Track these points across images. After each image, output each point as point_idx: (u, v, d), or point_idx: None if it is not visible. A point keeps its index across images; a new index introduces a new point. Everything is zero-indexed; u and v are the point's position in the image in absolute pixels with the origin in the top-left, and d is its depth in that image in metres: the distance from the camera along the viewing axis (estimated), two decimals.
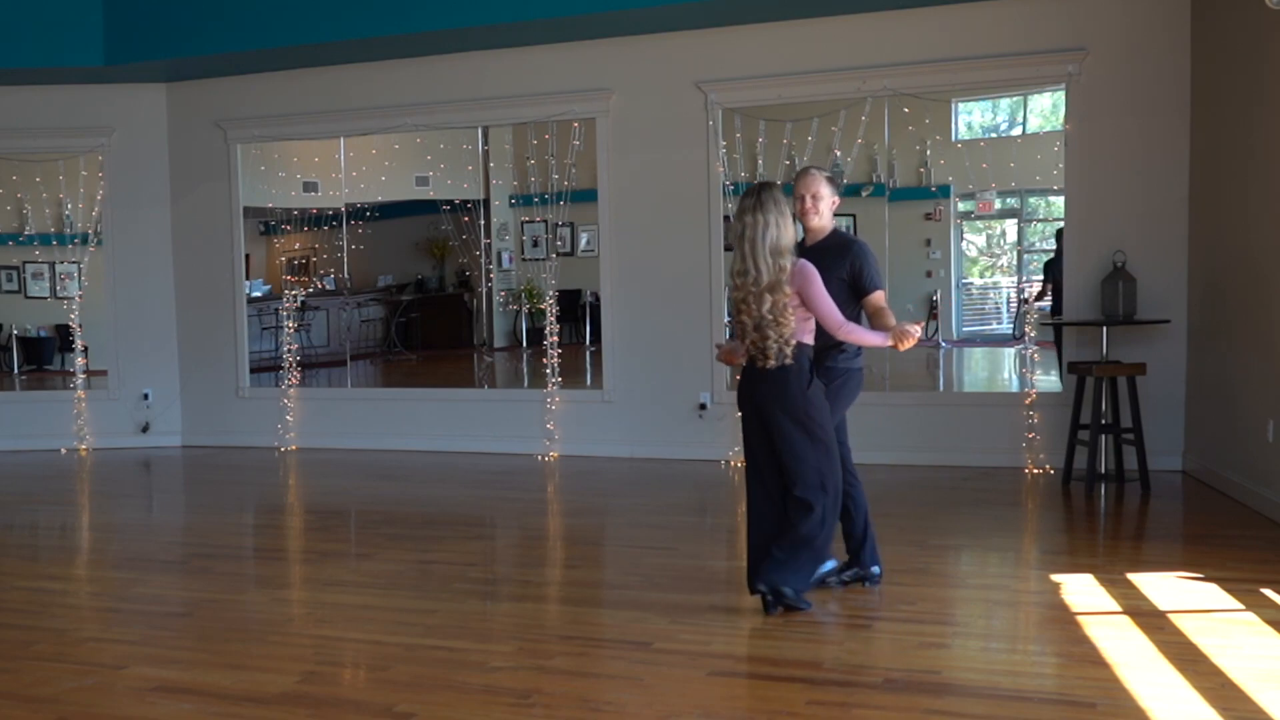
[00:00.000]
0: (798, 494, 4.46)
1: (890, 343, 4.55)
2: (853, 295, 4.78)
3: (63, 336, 10.62)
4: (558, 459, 8.96)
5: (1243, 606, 4.56)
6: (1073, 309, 7.94)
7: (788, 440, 4.46)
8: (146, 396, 10.24)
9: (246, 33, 9.05)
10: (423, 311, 12.82)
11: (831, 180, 4.86)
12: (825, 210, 4.82)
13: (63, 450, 10.05)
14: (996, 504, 6.92)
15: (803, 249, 4.65)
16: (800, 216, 4.81)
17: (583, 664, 4.09)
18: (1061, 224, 8.13)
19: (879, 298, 4.78)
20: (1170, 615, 4.46)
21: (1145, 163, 7.76)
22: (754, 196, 4.41)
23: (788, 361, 4.39)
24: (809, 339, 4.50)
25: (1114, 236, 7.76)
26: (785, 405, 4.43)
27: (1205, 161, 7.41)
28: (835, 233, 4.90)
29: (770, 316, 4.34)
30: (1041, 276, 8.79)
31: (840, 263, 4.73)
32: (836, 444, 4.63)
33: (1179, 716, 3.45)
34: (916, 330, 4.57)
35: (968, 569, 5.65)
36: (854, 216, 9.06)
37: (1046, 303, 8.69)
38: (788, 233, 4.37)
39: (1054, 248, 8.70)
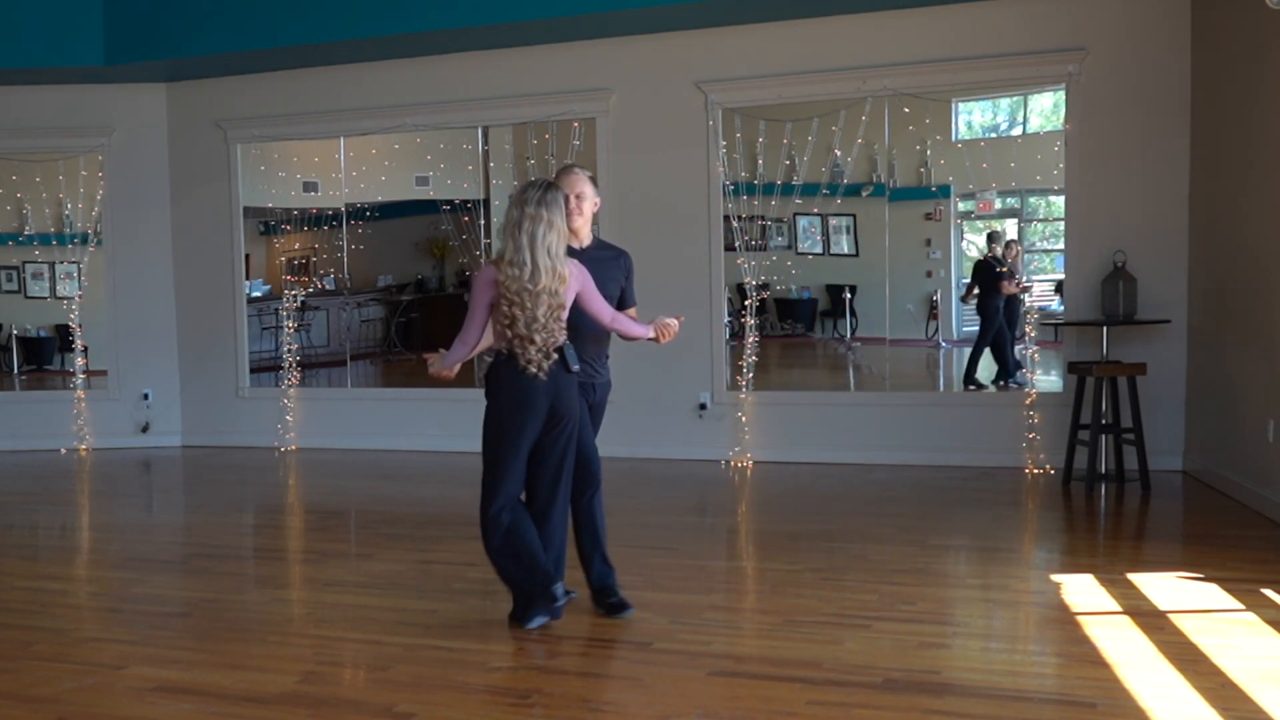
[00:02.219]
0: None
1: (651, 334, 4.54)
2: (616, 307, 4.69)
3: (63, 336, 10.62)
4: None
5: (1243, 606, 4.56)
6: (1073, 309, 7.94)
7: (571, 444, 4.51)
8: (146, 396, 10.25)
9: (246, 33, 9.05)
10: (423, 311, 12.80)
11: (593, 180, 4.67)
12: (588, 211, 4.61)
13: (63, 450, 10.05)
14: (996, 504, 6.92)
15: (573, 254, 4.44)
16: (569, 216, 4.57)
17: (583, 664, 4.09)
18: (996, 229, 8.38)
19: (632, 312, 4.77)
20: (1170, 615, 4.46)
21: (1145, 163, 7.76)
22: (540, 190, 4.25)
23: (543, 372, 4.27)
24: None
25: (1114, 236, 7.76)
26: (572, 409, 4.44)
27: (1205, 161, 7.41)
28: (601, 242, 4.81)
29: (542, 320, 4.21)
30: (969, 279, 8.95)
31: (615, 273, 4.66)
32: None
33: (1179, 716, 3.45)
34: (675, 323, 4.58)
35: (968, 569, 5.65)
36: (854, 216, 9.06)
37: (971, 305, 8.87)
38: (563, 239, 4.26)
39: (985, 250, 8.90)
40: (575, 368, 4.38)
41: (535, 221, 4.19)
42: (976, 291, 8.87)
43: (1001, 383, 8.78)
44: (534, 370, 4.27)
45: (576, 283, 4.34)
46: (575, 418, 4.46)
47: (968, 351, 9.11)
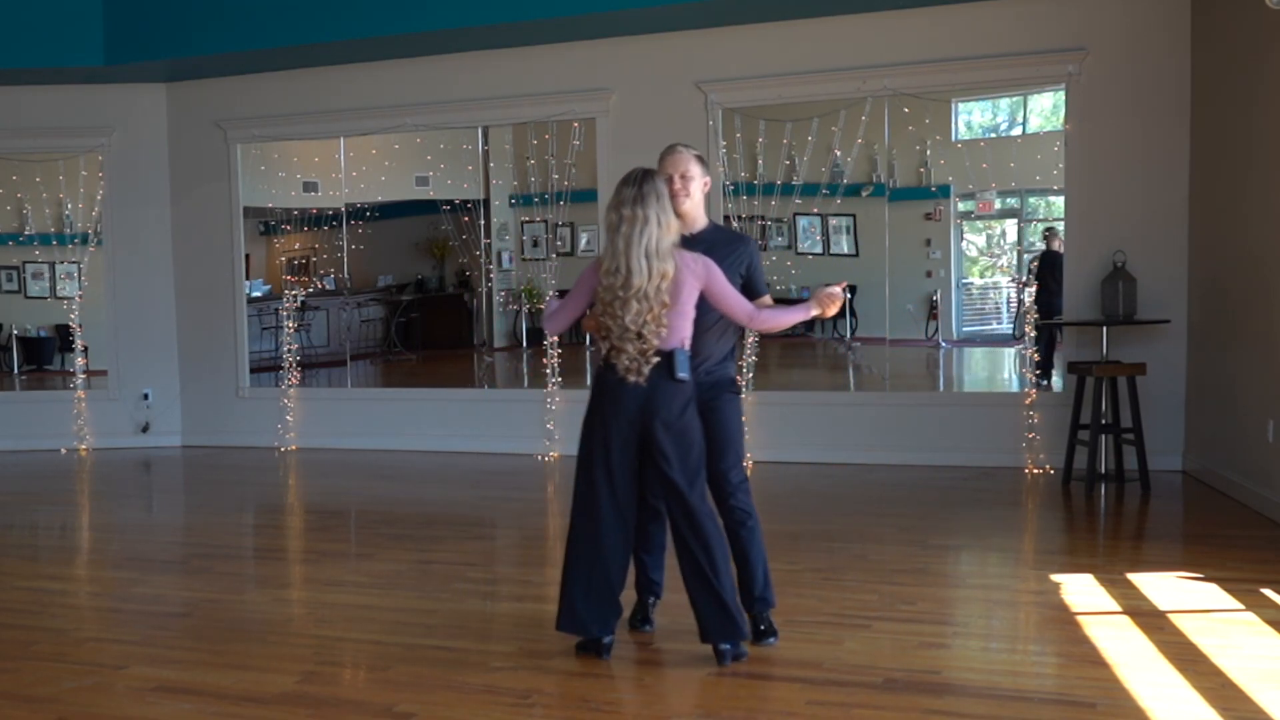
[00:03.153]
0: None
1: (816, 311, 4.10)
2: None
3: (63, 336, 10.62)
4: (558, 459, 8.96)
5: (1243, 606, 4.56)
6: (1073, 309, 7.94)
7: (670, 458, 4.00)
8: (146, 396, 10.25)
9: (246, 33, 9.05)
10: (423, 311, 12.81)
11: (700, 159, 4.26)
12: (696, 192, 4.20)
13: (63, 450, 10.05)
14: (996, 504, 6.92)
15: (683, 242, 4.08)
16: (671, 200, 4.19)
17: (583, 664, 4.09)
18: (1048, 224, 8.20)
19: (768, 300, 4.29)
20: (1170, 615, 4.46)
21: (1145, 163, 7.76)
22: (635, 187, 3.90)
23: (641, 378, 3.91)
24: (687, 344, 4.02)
25: (1114, 236, 7.76)
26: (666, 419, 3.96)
27: (1205, 161, 7.41)
28: (716, 226, 4.40)
29: (633, 328, 3.87)
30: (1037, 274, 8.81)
31: (733, 260, 4.18)
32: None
33: (1179, 716, 3.45)
34: (838, 290, 4.12)
35: (968, 569, 5.65)
36: (854, 216, 9.06)
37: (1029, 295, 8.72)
38: (670, 233, 3.90)
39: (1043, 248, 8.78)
40: (682, 376, 3.94)
41: (631, 223, 3.87)
42: (1036, 284, 8.64)
43: (1045, 382, 8.43)
44: (632, 377, 3.91)
45: (695, 277, 3.95)
46: (680, 431, 3.97)
47: (968, 352, 9.10)
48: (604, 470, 3.99)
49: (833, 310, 4.11)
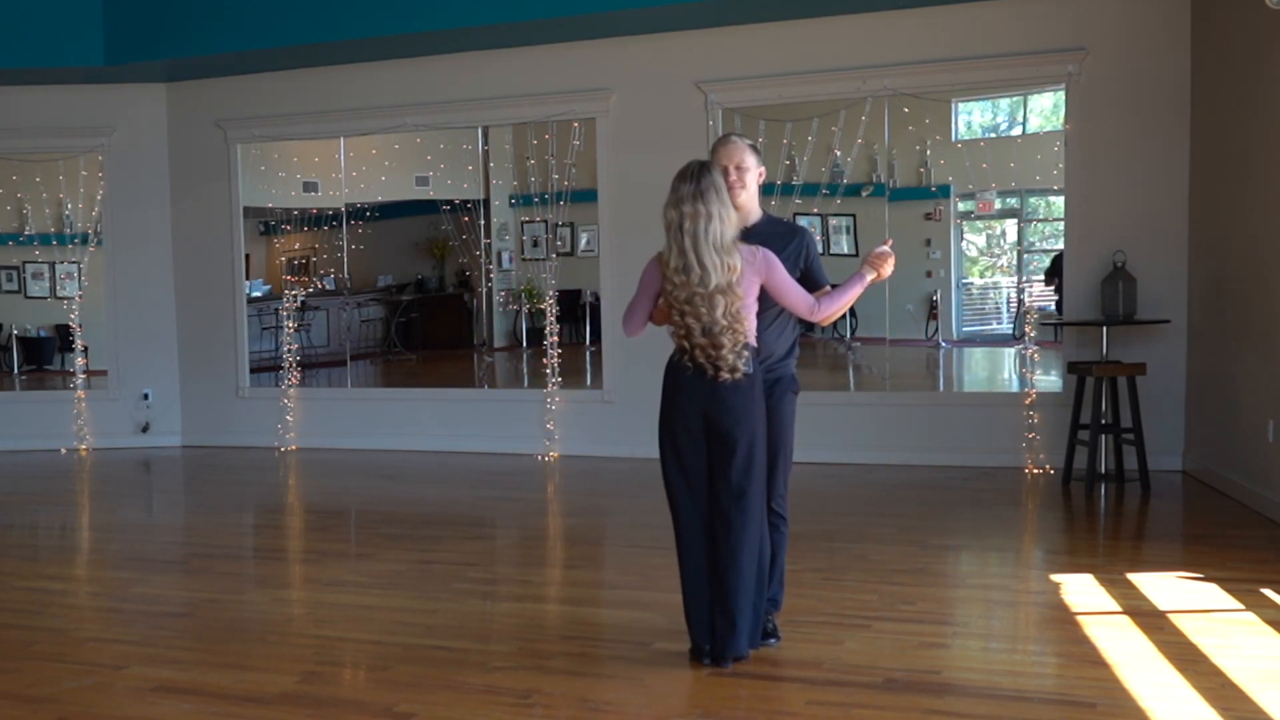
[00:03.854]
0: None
1: (872, 275, 4.03)
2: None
3: (63, 336, 10.62)
4: (558, 459, 8.96)
5: (1243, 606, 4.56)
6: (1073, 309, 7.94)
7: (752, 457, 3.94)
8: (146, 396, 10.25)
9: (246, 33, 9.05)
10: (423, 311, 12.81)
11: (755, 149, 4.16)
12: (751, 184, 4.09)
13: (63, 450, 10.05)
14: (996, 504, 6.92)
15: (742, 237, 3.99)
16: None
17: (583, 664, 4.09)
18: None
19: (828, 290, 4.13)
20: (1170, 615, 4.46)
21: (1145, 163, 7.76)
22: (692, 182, 3.83)
23: (742, 373, 3.85)
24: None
25: (1114, 236, 7.76)
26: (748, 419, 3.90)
27: (1205, 161, 7.41)
28: (770, 218, 4.27)
29: (725, 322, 3.78)
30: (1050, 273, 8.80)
31: (790, 251, 4.07)
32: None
33: (1179, 716, 3.45)
34: (887, 248, 4.06)
35: (968, 569, 5.65)
36: (854, 216, 9.06)
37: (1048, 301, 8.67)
38: (731, 225, 3.82)
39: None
40: (746, 370, 3.87)
41: (695, 219, 3.77)
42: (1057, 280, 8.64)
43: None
44: (728, 376, 3.81)
45: (755, 271, 3.85)
46: (750, 430, 3.88)
47: (968, 352, 9.10)
48: (678, 471, 3.95)
49: (888, 270, 4.03)
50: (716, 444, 3.90)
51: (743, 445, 3.88)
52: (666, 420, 3.96)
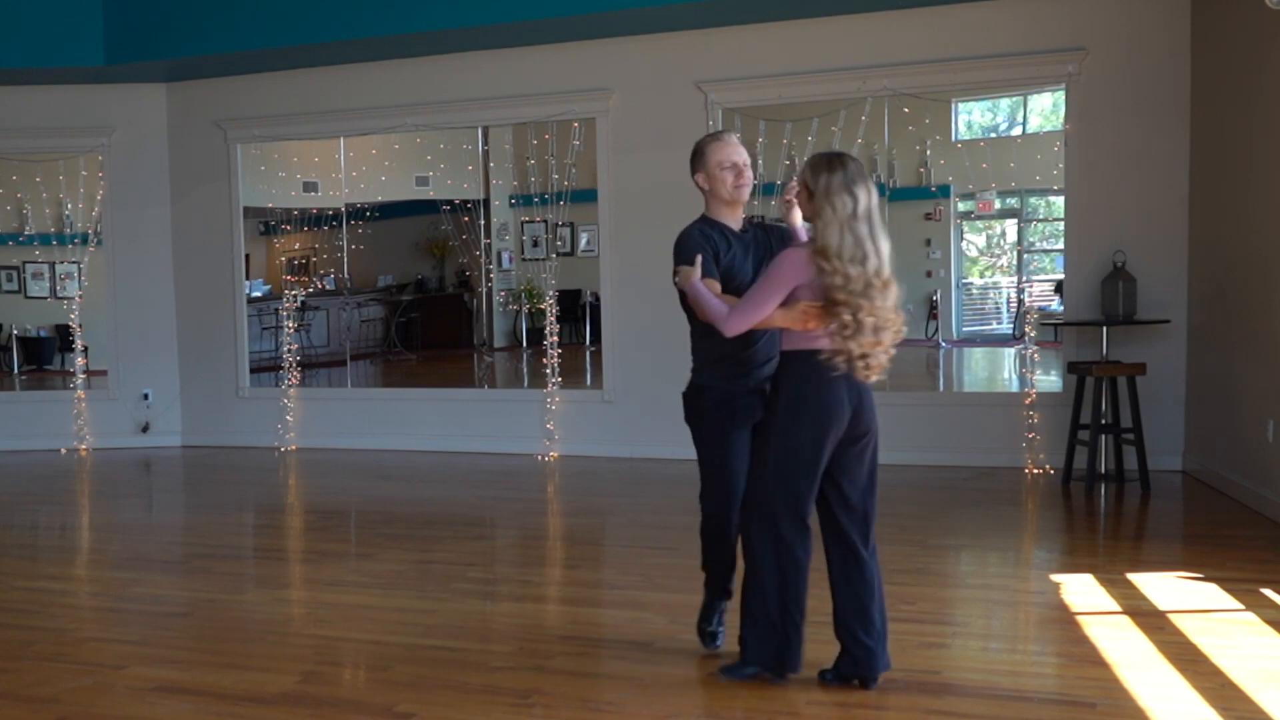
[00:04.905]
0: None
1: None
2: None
3: (63, 336, 10.62)
4: (558, 459, 8.96)
5: (1243, 606, 4.56)
6: (1073, 309, 7.94)
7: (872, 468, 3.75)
8: (146, 396, 10.24)
9: (246, 33, 9.05)
10: (423, 311, 12.82)
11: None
12: (748, 183, 3.95)
13: (63, 450, 10.05)
14: (996, 504, 6.92)
15: (739, 238, 3.90)
16: (731, 191, 3.96)
17: (583, 664, 4.09)
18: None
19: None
20: (1170, 615, 4.46)
21: (1145, 163, 7.76)
22: (843, 170, 3.60)
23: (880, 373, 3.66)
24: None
25: (1114, 236, 7.76)
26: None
27: (1205, 161, 7.41)
28: (749, 220, 4.10)
29: (894, 315, 3.62)
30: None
31: (766, 257, 3.94)
32: None
33: (1179, 716, 3.45)
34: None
35: (968, 569, 5.65)
36: None
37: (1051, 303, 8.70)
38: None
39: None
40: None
41: (868, 203, 3.57)
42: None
43: None
44: (875, 375, 3.64)
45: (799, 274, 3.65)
46: (876, 430, 3.74)
47: (968, 352, 9.11)
48: (811, 481, 3.67)
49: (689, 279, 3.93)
50: (848, 450, 3.68)
51: (874, 448, 3.74)
52: (818, 434, 3.62)
